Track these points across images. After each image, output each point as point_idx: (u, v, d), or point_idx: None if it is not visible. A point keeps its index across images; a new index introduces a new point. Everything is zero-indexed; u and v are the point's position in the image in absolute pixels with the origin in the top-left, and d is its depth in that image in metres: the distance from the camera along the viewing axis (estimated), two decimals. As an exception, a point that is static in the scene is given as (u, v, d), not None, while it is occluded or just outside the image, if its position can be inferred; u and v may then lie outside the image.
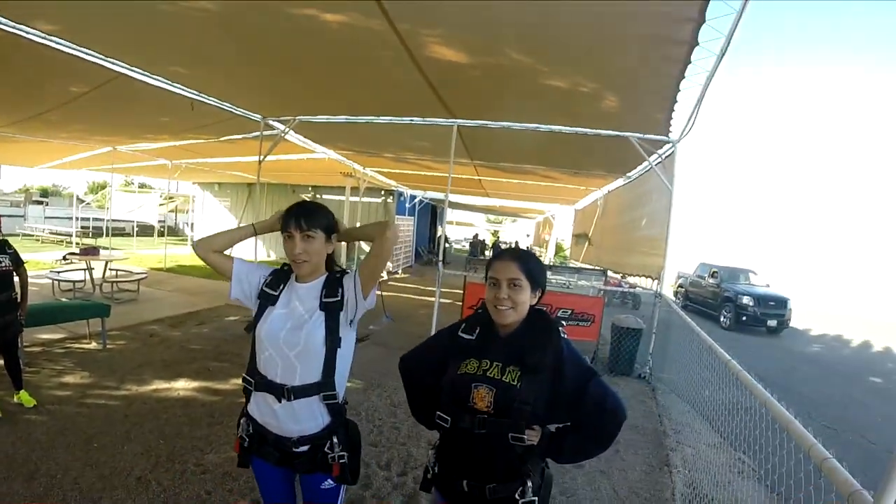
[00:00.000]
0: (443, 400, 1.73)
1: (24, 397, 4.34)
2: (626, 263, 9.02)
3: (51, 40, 4.33)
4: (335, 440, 1.84)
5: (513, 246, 27.79)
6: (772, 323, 13.59)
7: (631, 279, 9.27)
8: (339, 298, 1.83)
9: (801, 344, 13.02)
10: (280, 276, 1.92)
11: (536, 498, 1.63)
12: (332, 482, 1.88)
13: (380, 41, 4.01)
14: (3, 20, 3.99)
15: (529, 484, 1.62)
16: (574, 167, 9.23)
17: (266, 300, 1.87)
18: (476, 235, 29.66)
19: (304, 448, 1.83)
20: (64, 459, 3.54)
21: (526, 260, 1.71)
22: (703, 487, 3.78)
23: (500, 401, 1.60)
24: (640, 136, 6.21)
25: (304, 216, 1.81)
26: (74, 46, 4.52)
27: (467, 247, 30.33)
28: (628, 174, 9.19)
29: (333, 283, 1.87)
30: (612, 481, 3.87)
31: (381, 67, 4.71)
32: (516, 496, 1.62)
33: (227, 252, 1.98)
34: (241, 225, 1.96)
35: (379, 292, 1.91)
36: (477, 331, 1.76)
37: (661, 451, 4.53)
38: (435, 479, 1.81)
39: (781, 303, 13.89)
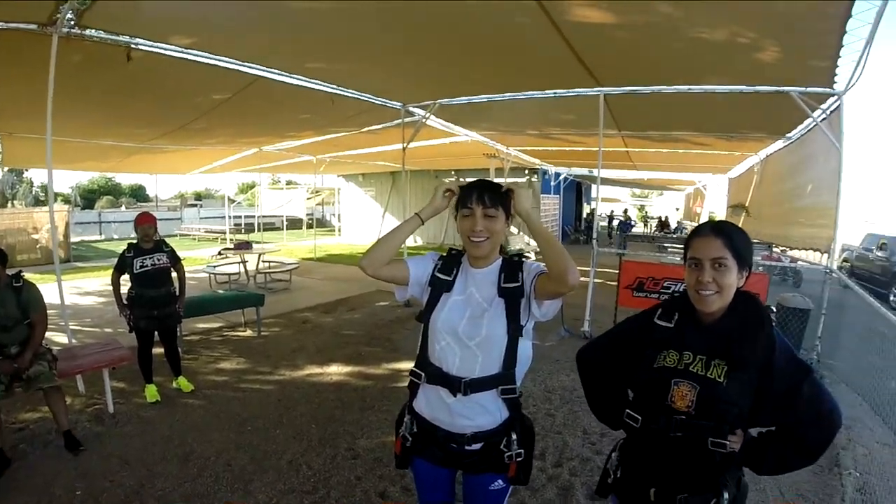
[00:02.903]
0: (635, 397, 1.53)
1: (182, 383, 4.71)
2: (789, 236, 8.10)
3: (188, 53, 4.62)
4: (513, 437, 1.67)
5: (663, 219, 26.74)
6: (952, 303, 11.43)
7: (793, 253, 8.29)
8: (519, 284, 1.66)
9: None
10: (451, 261, 1.78)
11: None
12: (501, 482, 1.72)
13: (518, 9, 3.80)
14: (142, 41, 4.31)
15: (726, 496, 1.40)
16: (728, 130, 8.44)
17: (440, 286, 1.73)
18: (612, 211, 29.32)
19: (477, 446, 1.67)
20: (218, 442, 3.76)
21: (731, 234, 1.43)
22: (876, 494, 3.37)
23: (703, 400, 1.38)
24: (802, 89, 5.41)
25: (488, 191, 1.66)
26: (211, 56, 4.79)
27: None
28: (788, 135, 8.19)
29: (513, 268, 1.70)
30: (777, 482, 3.44)
31: (520, 38, 4.49)
32: None
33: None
34: (406, 219, 1.81)
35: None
36: (675, 317, 1.52)
37: (830, 449, 3.95)
38: (616, 485, 1.62)
39: (963, 280, 11.56)
